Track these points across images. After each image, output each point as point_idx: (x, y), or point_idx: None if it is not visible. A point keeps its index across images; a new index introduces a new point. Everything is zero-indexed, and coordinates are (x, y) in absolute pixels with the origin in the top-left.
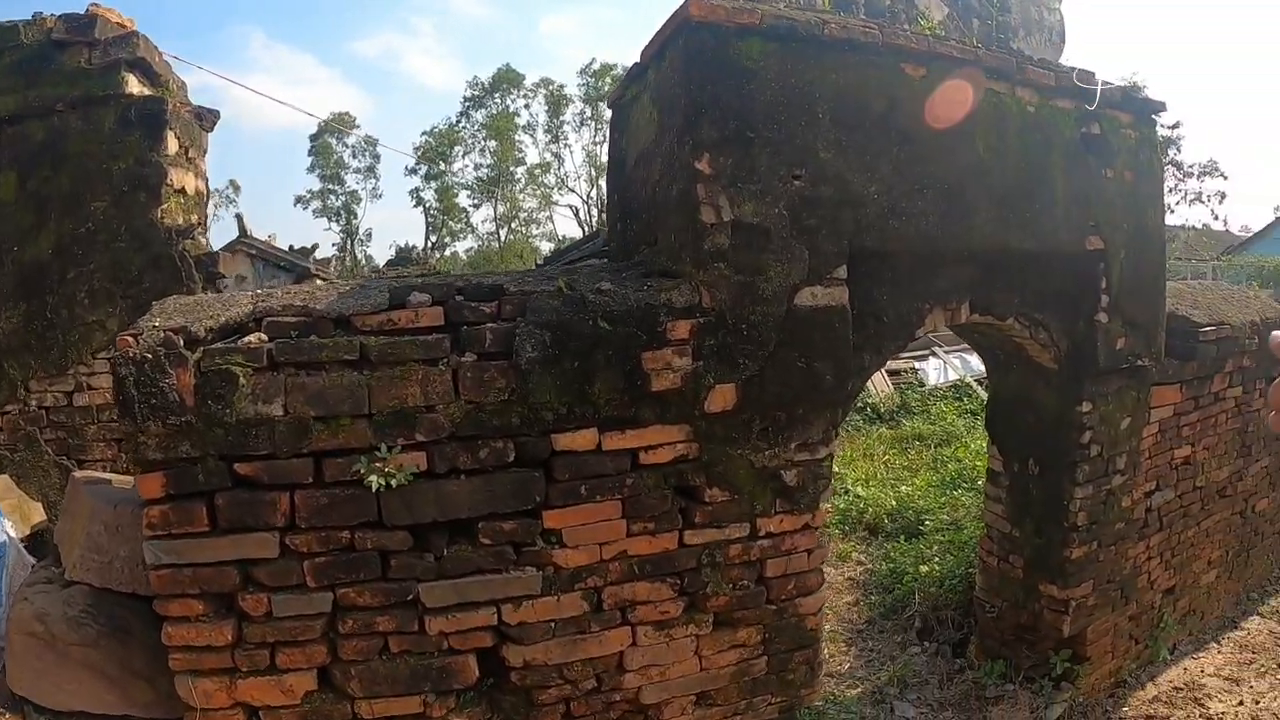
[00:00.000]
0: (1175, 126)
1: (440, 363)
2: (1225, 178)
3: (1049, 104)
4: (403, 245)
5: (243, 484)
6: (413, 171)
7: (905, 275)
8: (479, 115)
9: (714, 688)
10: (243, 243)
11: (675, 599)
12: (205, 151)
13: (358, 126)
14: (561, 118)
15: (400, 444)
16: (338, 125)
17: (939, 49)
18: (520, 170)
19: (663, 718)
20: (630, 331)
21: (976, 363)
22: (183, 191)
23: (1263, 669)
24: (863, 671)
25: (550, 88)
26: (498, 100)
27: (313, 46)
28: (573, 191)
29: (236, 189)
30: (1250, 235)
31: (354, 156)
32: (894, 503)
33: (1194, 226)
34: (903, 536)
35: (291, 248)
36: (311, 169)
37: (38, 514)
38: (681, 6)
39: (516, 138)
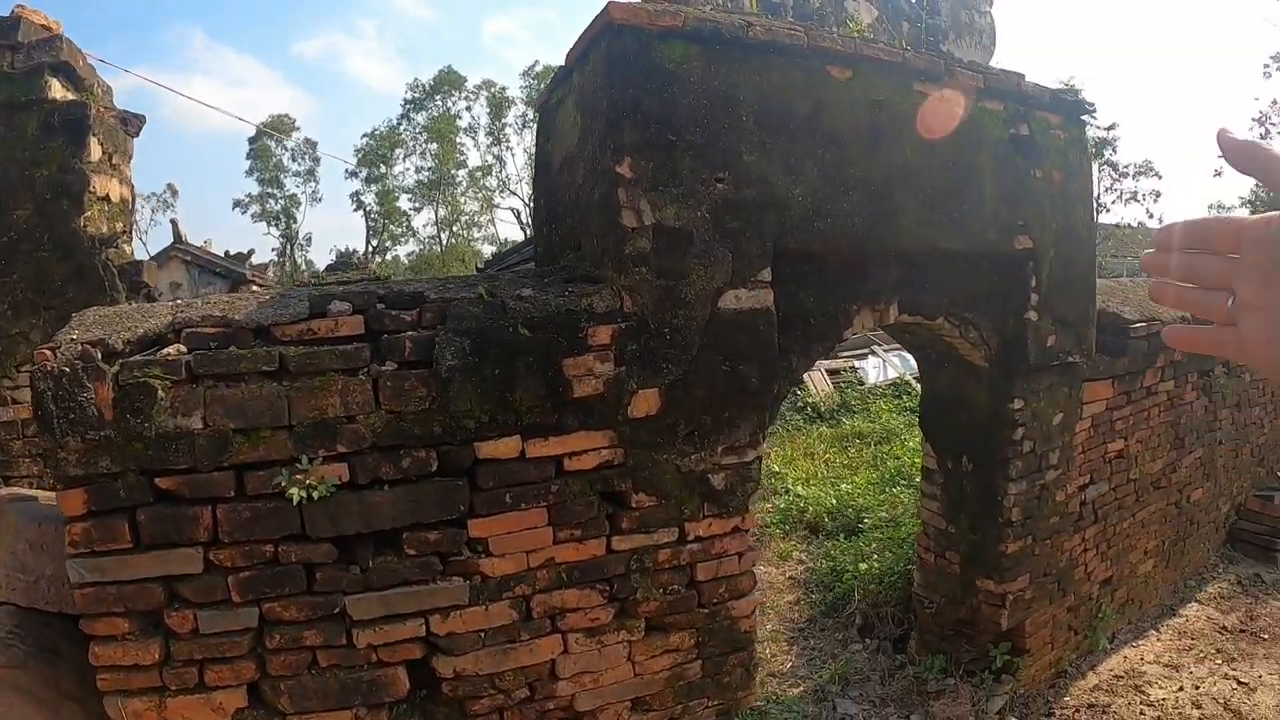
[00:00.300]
0: (1111, 128)
1: (360, 372)
2: (1160, 177)
3: (978, 105)
4: (343, 250)
5: (164, 499)
6: (353, 175)
7: (832, 276)
8: (420, 118)
9: (649, 693)
10: (177, 249)
11: (605, 605)
12: (130, 157)
13: (297, 129)
14: (504, 120)
15: (321, 455)
16: (271, 130)
17: (865, 51)
18: (462, 173)
19: None
20: (551, 338)
21: None
22: (107, 199)
23: (1202, 654)
24: (804, 670)
25: (492, 90)
26: (439, 102)
27: (254, 46)
28: (514, 194)
29: (174, 193)
30: None
31: (293, 160)
32: (834, 501)
33: (1130, 225)
34: (843, 535)
35: (227, 253)
36: (250, 172)
37: None
38: (603, 10)
39: (458, 140)
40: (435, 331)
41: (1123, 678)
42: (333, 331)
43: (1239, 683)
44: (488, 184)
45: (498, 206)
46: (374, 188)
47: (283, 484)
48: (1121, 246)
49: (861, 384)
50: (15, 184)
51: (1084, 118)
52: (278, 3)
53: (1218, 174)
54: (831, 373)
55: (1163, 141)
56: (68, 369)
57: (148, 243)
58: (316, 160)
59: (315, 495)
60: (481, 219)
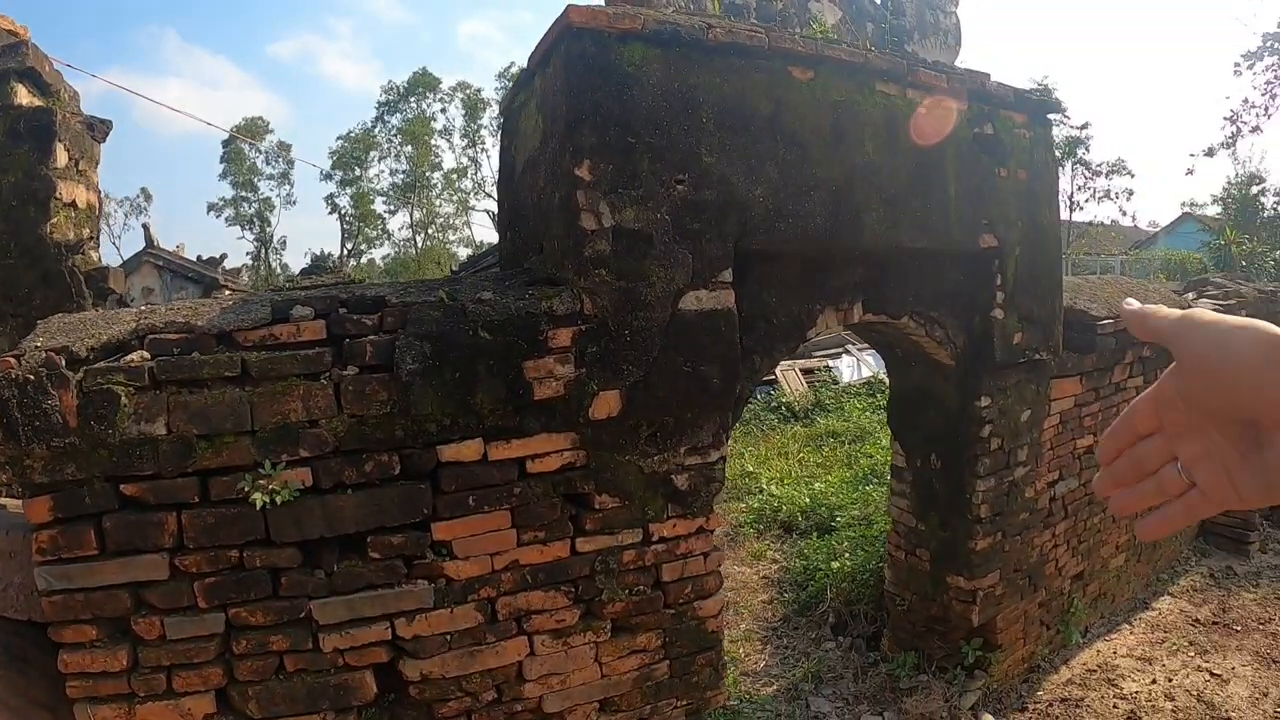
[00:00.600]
0: (1084, 127)
1: (322, 377)
2: (1132, 175)
3: (942, 105)
4: (318, 253)
5: (130, 505)
6: (328, 177)
7: (795, 277)
8: (395, 120)
9: (617, 694)
10: (150, 253)
11: (571, 607)
12: (97, 162)
13: (271, 132)
14: (479, 122)
15: (284, 460)
16: (242, 136)
17: (827, 52)
18: (437, 175)
19: None
20: (511, 340)
21: None
22: (73, 205)
23: (1175, 647)
24: (778, 669)
25: (467, 92)
26: (413, 104)
27: (227, 48)
28: (490, 197)
29: (148, 197)
30: (1158, 230)
31: (268, 163)
32: (808, 500)
33: (1103, 222)
34: (816, 533)
35: (200, 258)
36: (224, 176)
37: None
38: (563, 13)
39: (433, 142)
40: (396, 336)
41: (1095, 671)
42: (295, 336)
43: (1211, 674)
44: (463, 186)
45: (473, 209)
46: (349, 191)
47: (246, 489)
48: (1095, 244)
49: (836, 383)
50: None
51: (1052, 116)
52: (251, 4)
53: (1189, 173)
54: (806, 372)
55: (1136, 140)
56: (32, 376)
57: (121, 247)
58: (290, 163)
59: (279, 500)
60: (457, 221)
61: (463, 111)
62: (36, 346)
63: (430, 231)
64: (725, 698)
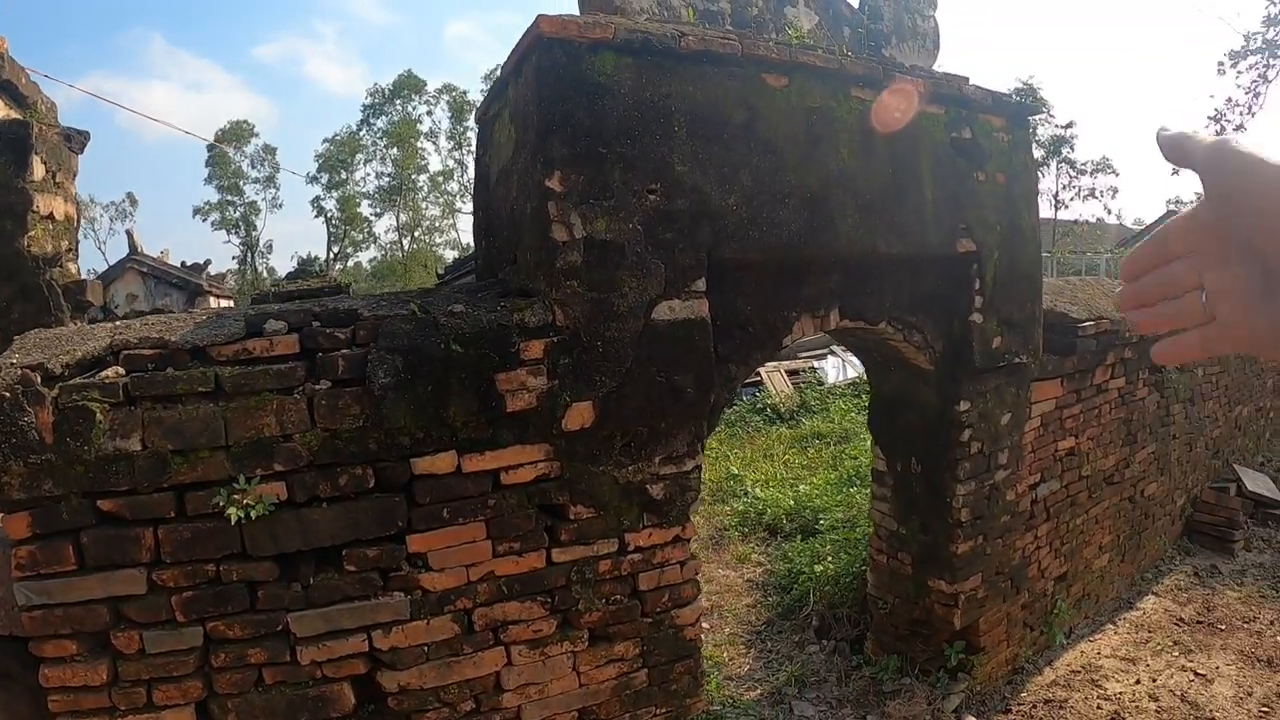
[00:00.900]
0: (1069, 126)
1: (295, 391)
2: (1117, 174)
3: (918, 110)
4: (304, 257)
5: (107, 521)
6: (314, 180)
7: (770, 284)
8: (380, 122)
9: (595, 703)
10: (133, 260)
11: (548, 617)
12: (75, 174)
13: (256, 135)
14: (465, 124)
15: (259, 474)
16: (226, 142)
17: (801, 58)
18: (423, 178)
19: None
20: (483, 353)
21: None
22: (50, 217)
23: (1159, 647)
24: (762, 673)
25: (453, 94)
26: (399, 107)
27: (213, 51)
28: None
29: (134, 202)
30: (1143, 228)
31: (253, 166)
32: (792, 503)
33: (1088, 221)
34: (800, 536)
35: (184, 264)
36: (209, 180)
37: None
38: (534, 23)
39: (419, 145)
40: (368, 349)
41: (1079, 672)
42: (268, 351)
43: (1196, 674)
44: (449, 189)
45: (459, 211)
46: (335, 194)
47: (221, 504)
48: (1080, 243)
49: (821, 384)
50: None
51: (1031, 118)
52: (236, 6)
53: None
54: (791, 373)
55: (1121, 139)
56: (8, 394)
57: (106, 253)
58: (276, 166)
59: (254, 514)
60: (444, 224)
61: (448, 114)
62: (12, 363)
63: (417, 234)
64: (705, 704)
